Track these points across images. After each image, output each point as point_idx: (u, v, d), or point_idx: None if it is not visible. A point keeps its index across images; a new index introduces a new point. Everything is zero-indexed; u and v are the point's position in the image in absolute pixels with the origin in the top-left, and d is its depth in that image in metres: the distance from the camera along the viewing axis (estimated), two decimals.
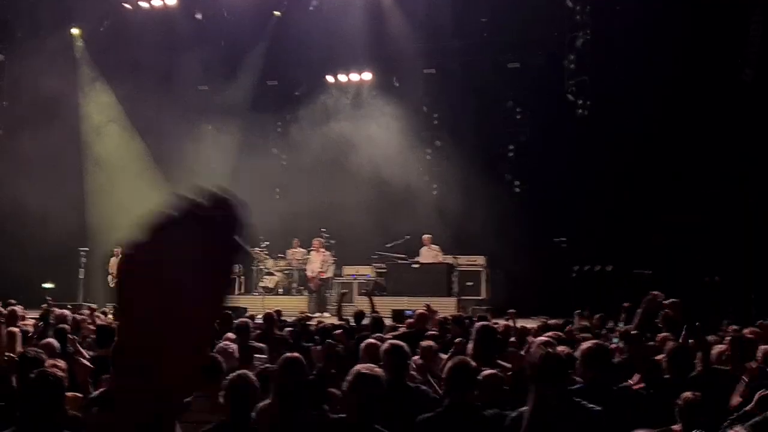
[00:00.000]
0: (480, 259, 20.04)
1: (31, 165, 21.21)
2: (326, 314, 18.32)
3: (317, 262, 19.68)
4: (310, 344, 9.32)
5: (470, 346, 7.24)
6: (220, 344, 7.35)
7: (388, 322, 11.94)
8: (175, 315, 0.93)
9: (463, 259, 20.06)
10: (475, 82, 22.30)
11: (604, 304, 15.16)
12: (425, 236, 19.71)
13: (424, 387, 6.11)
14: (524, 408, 4.72)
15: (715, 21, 18.71)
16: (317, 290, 19.72)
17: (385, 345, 5.98)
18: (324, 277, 19.72)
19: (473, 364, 5.34)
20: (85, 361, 6.94)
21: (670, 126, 18.94)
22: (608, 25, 20.07)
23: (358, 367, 4.60)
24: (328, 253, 20.01)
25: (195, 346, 0.97)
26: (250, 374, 4.86)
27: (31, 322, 12.23)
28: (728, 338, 7.88)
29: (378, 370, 4.60)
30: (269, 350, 8.48)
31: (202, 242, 0.95)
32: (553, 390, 4.67)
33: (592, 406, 4.68)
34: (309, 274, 19.91)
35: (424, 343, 7.79)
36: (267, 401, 5.24)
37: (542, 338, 7.21)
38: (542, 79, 21.66)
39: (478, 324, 7.52)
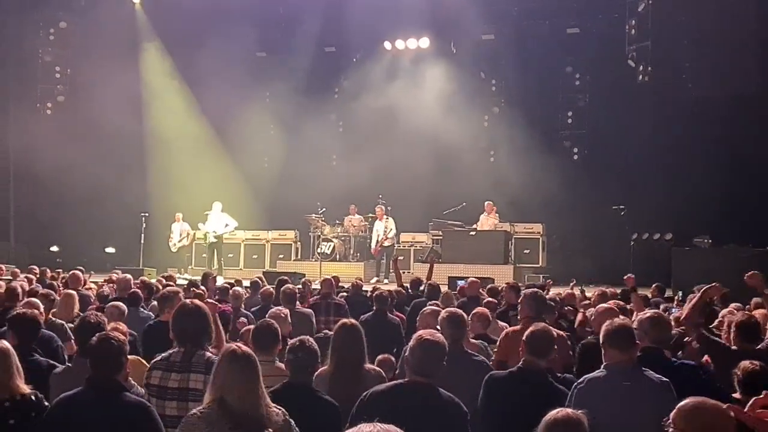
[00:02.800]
0: (537, 227, 19.89)
1: (92, 131, 21.51)
2: (385, 280, 18.37)
3: (382, 229, 19.48)
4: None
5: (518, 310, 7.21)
6: (273, 309, 7.41)
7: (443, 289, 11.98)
8: None
9: (520, 227, 19.92)
10: (534, 47, 22.03)
11: (663, 273, 15.00)
12: (488, 203, 19.42)
13: (480, 356, 6.10)
14: (591, 375, 4.73)
15: None
16: (377, 257, 19.65)
17: (443, 313, 5.99)
18: (386, 244, 19.58)
19: (554, 333, 5.31)
20: None
21: (733, 92, 18.48)
22: None
23: (421, 332, 4.63)
24: (391, 219, 19.70)
25: None
26: (310, 339, 4.90)
27: (94, 286, 12.48)
28: None
29: (440, 336, 4.63)
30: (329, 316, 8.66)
31: None
32: (623, 356, 4.68)
33: (658, 376, 4.64)
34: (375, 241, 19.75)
35: (478, 310, 7.80)
36: (325, 367, 5.29)
37: (606, 305, 7.13)
38: (602, 44, 21.32)
39: (527, 290, 7.46)
